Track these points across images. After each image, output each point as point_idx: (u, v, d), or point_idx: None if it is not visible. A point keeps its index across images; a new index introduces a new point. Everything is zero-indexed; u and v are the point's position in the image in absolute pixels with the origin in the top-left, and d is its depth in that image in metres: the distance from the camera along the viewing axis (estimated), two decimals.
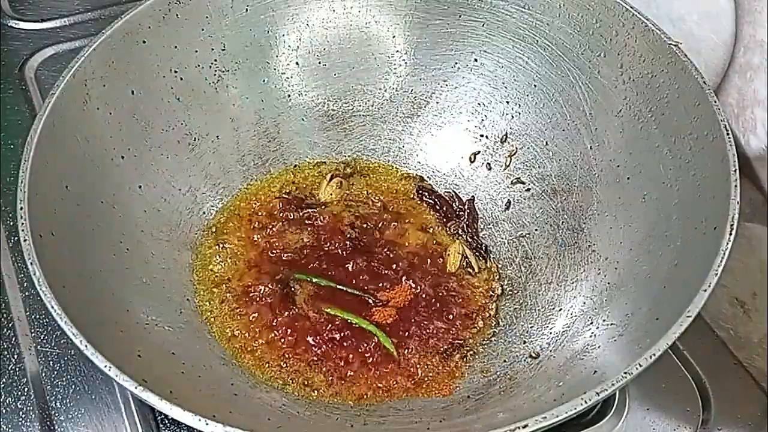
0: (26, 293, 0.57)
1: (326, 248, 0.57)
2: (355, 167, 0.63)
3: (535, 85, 0.59)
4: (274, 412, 0.47)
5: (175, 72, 0.57)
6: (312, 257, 0.56)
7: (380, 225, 0.59)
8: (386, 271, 0.56)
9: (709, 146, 0.47)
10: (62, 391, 0.52)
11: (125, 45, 0.54)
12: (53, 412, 0.51)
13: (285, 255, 0.57)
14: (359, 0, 0.62)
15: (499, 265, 0.58)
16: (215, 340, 0.52)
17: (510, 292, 0.56)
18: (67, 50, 0.75)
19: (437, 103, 0.63)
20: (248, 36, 0.60)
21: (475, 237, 0.59)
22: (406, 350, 0.52)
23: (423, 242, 0.58)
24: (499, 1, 0.59)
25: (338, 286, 0.54)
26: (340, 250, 0.57)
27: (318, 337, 0.52)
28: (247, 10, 0.60)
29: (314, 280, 0.55)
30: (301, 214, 0.59)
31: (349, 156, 0.64)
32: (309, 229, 0.58)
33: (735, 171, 0.45)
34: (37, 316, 0.55)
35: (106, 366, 0.38)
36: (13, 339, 0.54)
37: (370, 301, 0.54)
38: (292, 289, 0.54)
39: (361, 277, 0.55)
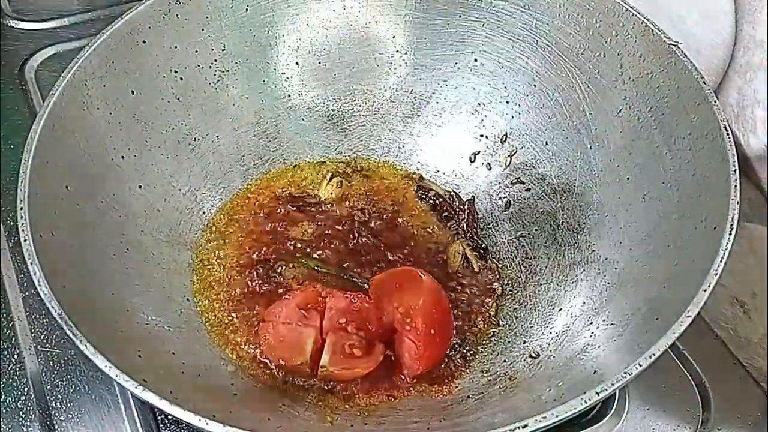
0: (26, 293, 0.57)
1: (326, 247, 0.57)
2: (355, 167, 0.63)
3: (535, 85, 0.59)
4: (274, 412, 0.47)
5: (175, 72, 0.57)
6: (312, 255, 0.56)
7: (380, 224, 0.59)
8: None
9: (709, 146, 0.47)
10: (62, 391, 0.52)
11: (125, 45, 0.54)
12: (53, 412, 0.51)
13: (285, 254, 0.57)
14: (359, 0, 0.62)
15: (499, 265, 0.58)
16: (215, 341, 0.52)
17: (510, 292, 0.56)
18: (67, 50, 0.75)
19: (437, 103, 0.63)
20: (248, 36, 0.60)
21: (475, 237, 0.59)
22: None
23: (423, 242, 0.58)
24: (499, 1, 0.59)
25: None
26: (339, 249, 0.57)
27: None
28: (247, 10, 0.60)
29: (316, 267, 0.55)
30: (301, 213, 0.59)
31: (349, 156, 0.64)
32: (309, 228, 0.58)
33: (735, 171, 0.45)
34: (37, 316, 0.55)
35: (106, 366, 0.38)
36: (13, 339, 0.54)
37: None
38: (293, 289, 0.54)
39: (360, 277, 0.55)
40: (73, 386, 0.52)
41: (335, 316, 0.50)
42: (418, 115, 0.64)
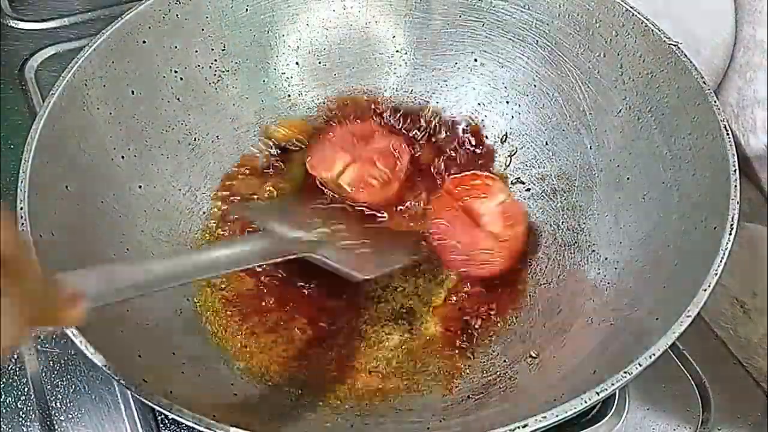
0: None
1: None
2: None
3: (535, 85, 0.59)
4: (275, 411, 0.47)
5: (175, 72, 0.57)
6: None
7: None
8: None
9: (709, 146, 0.47)
10: (62, 391, 0.52)
11: (125, 45, 0.54)
12: (53, 412, 0.51)
13: None
14: (359, 0, 0.62)
15: None
16: (215, 341, 0.52)
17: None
18: (67, 50, 0.75)
19: (437, 103, 0.63)
20: (248, 36, 0.60)
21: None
22: None
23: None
24: (499, 1, 0.59)
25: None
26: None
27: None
28: (247, 10, 0.60)
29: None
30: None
31: None
32: None
33: (735, 171, 0.45)
34: None
35: (106, 366, 0.38)
36: None
37: None
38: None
39: None
40: (73, 386, 0.52)
41: (372, 150, 0.57)
42: None
